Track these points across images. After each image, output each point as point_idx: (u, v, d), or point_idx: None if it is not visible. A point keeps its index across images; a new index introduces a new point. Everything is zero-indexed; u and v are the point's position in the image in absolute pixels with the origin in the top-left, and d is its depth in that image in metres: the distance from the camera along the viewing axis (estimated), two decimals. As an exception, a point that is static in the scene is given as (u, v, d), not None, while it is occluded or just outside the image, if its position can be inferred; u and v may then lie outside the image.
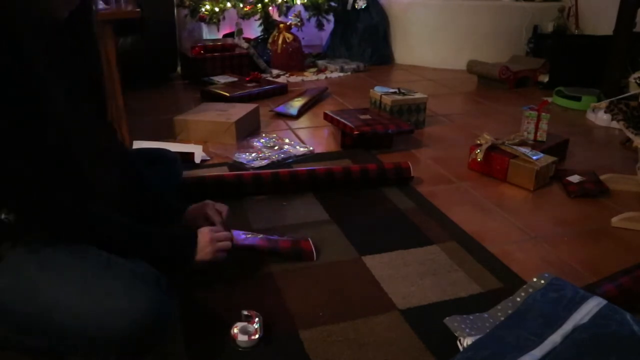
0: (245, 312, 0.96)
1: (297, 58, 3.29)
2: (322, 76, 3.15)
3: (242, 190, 1.51)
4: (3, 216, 0.81)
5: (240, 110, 2.08)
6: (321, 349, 0.92)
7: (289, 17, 3.32)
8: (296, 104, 2.41)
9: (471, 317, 0.98)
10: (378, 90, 2.23)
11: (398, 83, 2.89)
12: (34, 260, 0.81)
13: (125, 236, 0.92)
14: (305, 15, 3.38)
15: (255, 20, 3.38)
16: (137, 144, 1.73)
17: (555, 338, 0.87)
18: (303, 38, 3.35)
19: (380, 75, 3.22)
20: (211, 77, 2.82)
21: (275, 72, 3.16)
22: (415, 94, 2.19)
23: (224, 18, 3.24)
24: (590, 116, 2.37)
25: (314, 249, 1.22)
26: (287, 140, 1.98)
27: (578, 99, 2.51)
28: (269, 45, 3.29)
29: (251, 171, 1.62)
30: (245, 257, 1.17)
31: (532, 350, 0.84)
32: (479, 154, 1.68)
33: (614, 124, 2.09)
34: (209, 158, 1.81)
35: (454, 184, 1.66)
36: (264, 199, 1.50)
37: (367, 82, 2.98)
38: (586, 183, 1.59)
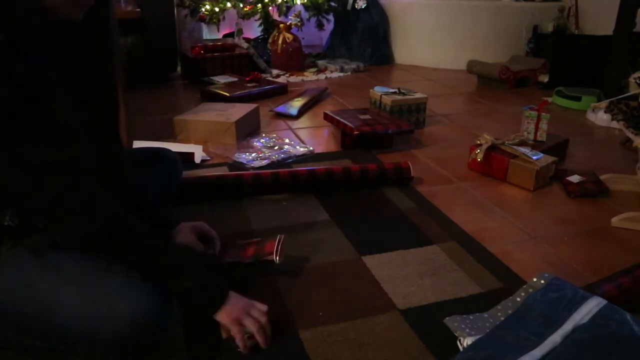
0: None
1: (297, 58, 3.29)
2: (322, 76, 3.15)
3: (242, 190, 1.51)
4: (7, 219, 0.81)
5: (240, 110, 2.08)
6: (321, 349, 0.92)
7: (289, 17, 3.32)
8: (296, 104, 2.41)
9: (471, 317, 0.98)
10: (378, 90, 2.23)
11: (398, 83, 2.89)
12: (34, 260, 0.81)
13: (141, 241, 0.86)
14: (305, 15, 3.38)
15: (255, 20, 3.38)
16: (137, 144, 1.73)
17: (555, 338, 0.87)
18: (303, 38, 3.35)
19: (380, 75, 3.22)
20: (211, 77, 2.82)
21: (275, 72, 3.16)
22: (415, 94, 2.19)
23: (224, 18, 3.24)
24: (590, 116, 2.37)
25: (276, 250, 1.10)
26: (287, 140, 1.98)
27: (578, 99, 2.51)
28: (269, 45, 3.29)
29: (251, 171, 1.62)
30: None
31: (532, 350, 0.84)
32: (479, 154, 1.68)
33: (614, 124, 2.09)
34: (209, 158, 1.81)
35: (454, 184, 1.66)
36: (264, 199, 1.50)
37: (367, 82, 2.98)
38: (586, 183, 1.59)
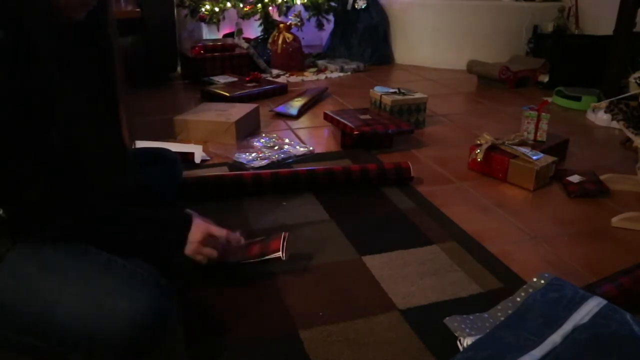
0: None
1: (297, 58, 3.29)
2: (322, 76, 3.15)
3: (242, 190, 1.51)
4: (1, 212, 0.81)
5: (240, 110, 2.08)
6: (321, 349, 0.92)
7: (289, 17, 3.32)
8: (296, 104, 2.41)
9: (471, 317, 0.98)
10: (378, 90, 2.23)
11: (398, 83, 2.89)
12: (34, 260, 0.81)
13: (121, 218, 0.91)
14: (305, 15, 3.38)
15: (255, 20, 3.38)
16: (137, 144, 1.73)
17: (555, 338, 0.87)
18: (303, 38, 3.35)
19: (380, 75, 3.22)
20: (211, 77, 2.82)
21: (275, 72, 3.16)
22: (415, 94, 2.19)
23: (224, 18, 3.24)
24: (590, 116, 2.37)
25: (282, 248, 1.11)
26: (287, 140, 1.98)
27: (578, 99, 2.51)
28: (269, 45, 3.29)
29: (251, 171, 1.62)
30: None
31: (532, 350, 0.84)
32: (479, 154, 1.68)
33: (614, 124, 2.09)
34: (209, 158, 1.81)
35: (454, 184, 1.66)
36: (264, 199, 1.50)
37: (367, 82, 2.98)
38: (586, 183, 1.59)
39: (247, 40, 3.33)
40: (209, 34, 3.49)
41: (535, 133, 1.81)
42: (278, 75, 3.11)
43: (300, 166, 1.70)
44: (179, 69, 3.10)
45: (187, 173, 1.53)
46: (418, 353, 0.92)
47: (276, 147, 1.89)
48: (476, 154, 1.69)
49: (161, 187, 1.25)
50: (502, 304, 1.02)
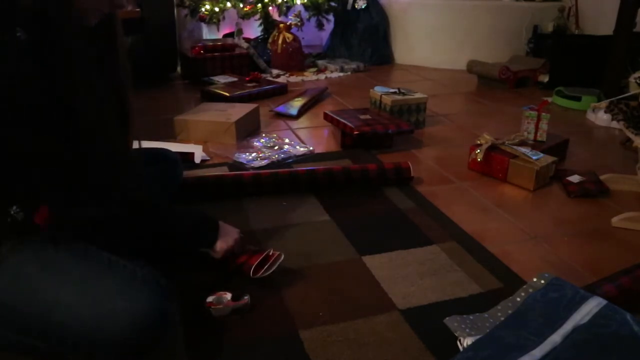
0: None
1: (297, 58, 3.29)
2: (322, 76, 3.15)
3: (242, 190, 1.51)
4: (14, 210, 0.81)
5: (240, 110, 2.08)
6: (321, 349, 0.92)
7: (289, 17, 3.32)
8: (296, 104, 2.41)
9: (471, 317, 0.98)
10: (378, 90, 2.23)
11: (398, 83, 2.89)
12: (35, 260, 0.81)
13: (154, 214, 0.97)
14: (305, 15, 3.38)
15: (255, 20, 3.38)
16: (137, 144, 1.73)
17: (555, 338, 0.87)
18: (303, 38, 3.35)
19: (380, 75, 3.22)
20: (211, 77, 2.82)
21: (275, 72, 3.17)
22: (415, 94, 2.19)
23: (224, 18, 3.24)
24: (590, 116, 2.37)
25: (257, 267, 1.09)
26: (287, 140, 1.98)
27: (578, 99, 2.51)
28: (269, 45, 3.29)
29: (251, 171, 1.62)
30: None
31: (532, 350, 0.84)
32: (479, 154, 1.68)
33: (614, 124, 2.09)
34: (209, 158, 1.81)
35: (454, 184, 1.66)
36: (264, 199, 1.50)
37: (367, 82, 2.98)
38: (586, 183, 1.59)
39: (247, 40, 3.33)
40: (209, 34, 3.49)
41: (535, 133, 1.81)
42: (278, 75, 3.11)
43: (300, 166, 1.70)
44: (179, 69, 3.10)
45: (187, 173, 1.53)
46: (418, 353, 0.92)
47: (276, 147, 1.89)
48: (476, 154, 1.69)
49: (162, 188, 1.25)
50: (502, 304, 1.02)
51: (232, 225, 1.17)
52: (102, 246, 0.86)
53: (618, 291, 1.03)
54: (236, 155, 1.80)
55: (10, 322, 0.80)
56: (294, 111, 2.33)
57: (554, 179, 1.66)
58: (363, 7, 3.49)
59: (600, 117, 2.28)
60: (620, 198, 1.56)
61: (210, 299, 1.00)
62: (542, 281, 1.04)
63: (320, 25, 3.48)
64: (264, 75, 3.01)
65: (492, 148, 1.68)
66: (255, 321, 0.99)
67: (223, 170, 1.69)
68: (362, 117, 1.98)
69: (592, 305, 0.93)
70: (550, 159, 1.64)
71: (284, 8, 3.29)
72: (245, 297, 1.01)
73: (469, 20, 3.32)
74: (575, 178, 1.62)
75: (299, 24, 3.31)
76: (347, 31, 3.57)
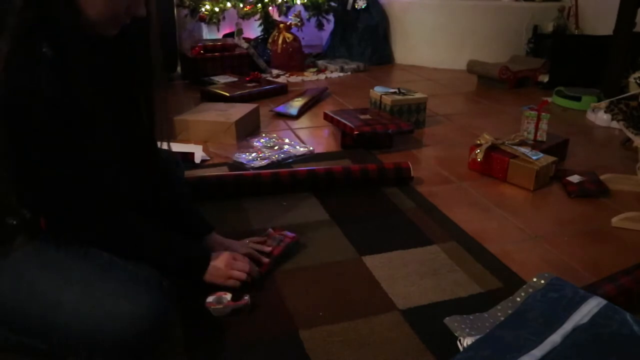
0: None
1: (297, 58, 3.29)
2: (322, 76, 3.15)
3: (242, 190, 1.51)
4: (23, 211, 0.82)
5: (240, 110, 2.08)
6: (321, 349, 0.92)
7: (289, 17, 3.32)
8: (296, 104, 2.41)
9: (471, 317, 0.98)
10: (378, 90, 2.23)
11: (398, 83, 2.89)
12: (36, 260, 0.82)
13: (142, 239, 0.94)
14: (305, 15, 3.38)
15: (255, 20, 3.38)
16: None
17: (555, 338, 0.87)
18: (303, 38, 3.35)
19: (380, 75, 3.22)
20: (211, 77, 2.82)
21: (275, 72, 3.17)
22: (415, 94, 2.19)
23: (224, 18, 3.24)
24: (590, 116, 2.37)
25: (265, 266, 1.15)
26: (287, 140, 1.98)
27: (578, 99, 2.51)
28: (269, 45, 3.29)
29: (251, 171, 1.62)
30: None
31: (532, 350, 0.84)
32: (479, 154, 1.68)
33: (614, 124, 2.09)
34: (209, 158, 1.81)
35: (454, 184, 1.66)
36: (264, 199, 1.50)
37: (367, 82, 2.98)
38: (586, 183, 1.59)
39: (247, 40, 3.33)
40: (209, 34, 3.49)
41: (535, 133, 1.81)
42: (278, 75, 3.11)
43: (300, 166, 1.70)
44: (179, 69, 3.10)
45: (187, 173, 1.53)
46: (418, 353, 0.92)
47: (276, 147, 1.89)
48: (476, 154, 1.69)
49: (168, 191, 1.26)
50: (502, 304, 1.02)
51: (233, 225, 1.18)
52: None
53: (618, 291, 1.03)
54: (236, 155, 1.80)
55: (11, 323, 0.80)
56: (294, 111, 2.33)
57: (554, 179, 1.66)
58: (363, 7, 3.49)
59: (600, 117, 2.28)
60: (620, 198, 1.56)
61: (210, 299, 1.00)
62: (542, 281, 1.04)
63: (320, 25, 3.48)
64: (264, 75, 3.01)
65: (492, 148, 1.68)
66: (255, 321, 0.99)
67: (223, 170, 1.69)
68: (362, 117, 1.98)
69: (592, 305, 0.92)
70: (550, 159, 1.64)
71: (284, 8, 3.29)
72: (245, 297, 1.01)
73: (469, 20, 3.32)
74: (575, 178, 1.62)
75: (299, 24, 3.31)
76: (347, 31, 3.57)
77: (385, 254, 1.23)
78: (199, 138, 1.96)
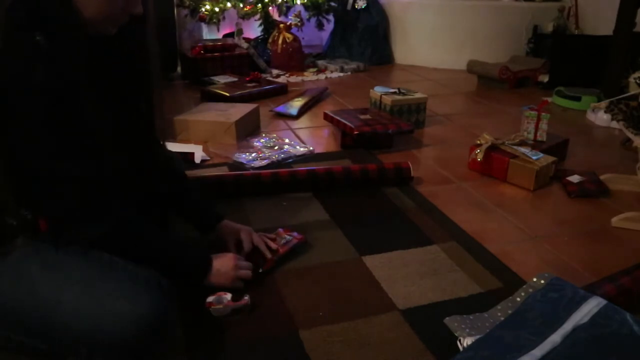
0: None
1: (297, 58, 3.29)
2: (322, 76, 3.15)
3: (242, 190, 1.51)
4: (23, 212, 0.82)
5: (240, 110, 2.08)
6: (321, 349, 0.92)
7: (289, 17, 3.32)
8: (296, 104, 2.41)
9: (471, 317, 0.98)
10: (378, 90, 2.23)
11: (398, 83, 2.89)
12: (36, 260, 0.82)
13: (144, 243, 0.94)
14: (305, 15, 3.38)
15: (255, 20, 3.38)
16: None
17: (555, 338, 0.87)
18: (303, 38, 3.35)
19: (380, 75, 3.22)
20: (211, 77, 2.82)
21: (275, 72, 3.17)
22: (415, 94, 2.19)
23: (224, 18, 3.24)
24: (590, 116, 2.37)
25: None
26: (287, 140, 1.98)
27: (578, 99, 2.51)
28: (269, 45, 3.29)
29: (251, 171, 1.62)
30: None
31: (532, 350, 0.84)
32: (479, 154, 1.68)
33: (614, 124, 2.09)
34: (209, 158, 1.81)
35: (454, 184, 1.66)
36: (264, 199, 1.50)
37: (367, 82, 2.98)
38: (586, 183, 1.59)
39: (247, 40, 3.33)
40: (209, 34, 3.49)
41: (535, 133, 1.81)
42: (278, 75, 3.11)
43: (300, 166, 1.70)
44: (179, 69, 3.10)
45: (187, 173, 1.53)
46: (418, 353, 0.92)
47: (276, 147, 1.89)
48: (476, 154, 1.69)
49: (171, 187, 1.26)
50: (502, 304, 1.02)
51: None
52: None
53: (618, 291, 1.03)
54: (236, 155, 1.80)
55: (11, 323, 0.81)
56: (294, 111, 2.33)
57: (554, 179, 1.66)
58: (363, 7, 3.49)
59: (600, 117, 2.28)
60: (620, 198, 1.56)
61: (210, 299, 1.00)
62: (542, 281, 1.04)
63: (320, 25, 3.48)
64: (264, 75, 3.01)
65: (492, 148, 1.68)
66: (255, 321, 0.99)
67: (223, 170, 1.69)
68: (362, 117, 1.98)
69: (592, 305, 0.92)
70: (550, 159, 1.64)
71: (284, 8, 3.29)
72: (245, 297, 1.01)
73: (469, 20, 3.32)
74: (575, 178, 1.62)
75: (299, 24, 3.31)
76: (347, 31, 3.57)
77: (385, 254, 1.23)
78: (199, 138, 1.96)
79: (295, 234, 1.25)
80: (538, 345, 0.86)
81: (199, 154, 1.77)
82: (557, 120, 2.25)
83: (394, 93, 2.18)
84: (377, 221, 1.39)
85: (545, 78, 2.91)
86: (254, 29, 3.52)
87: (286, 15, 3.31)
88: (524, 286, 1.05)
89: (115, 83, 0.92)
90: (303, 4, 3.35)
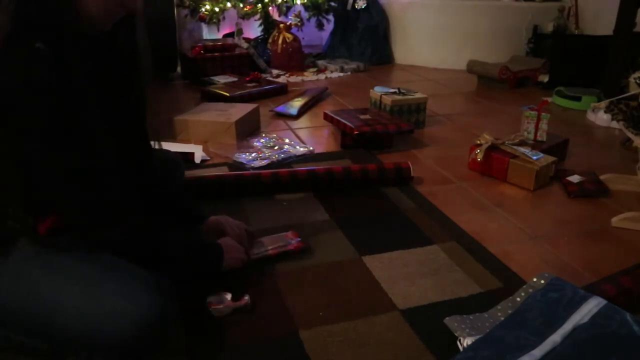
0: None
1: (297, 58, 3.29)
2: (322, 76, 3.15)
3: (242, 190, 1.51)
4: (24, 215, 0.82)
5: (240, 110, 2.08)
6: (321, 349, 0.92)
7: (289, 17, 3.32)
8: (296, 104, 2.41)
9: (471, 317, 0.98)
10: (378, 90, 2.23)
11: (398, 83, 2.89)
12: (36, 260, 0.81)
13: (157, 242, 0.94)
14: (305, 15, 3.38)
15: (255, 20, 3.38)
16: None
17: (555, 338, 0.87)
18: (303, 38, 3.35)
19: (380, 75, 3.22)
20: (211, 77, 2.82)
21: (275, 72, 3.17)
22: (415, 94, 2.19)
23: (224, 18, 3.24)
24: (590, 116, 2.37)
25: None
26: (287, 140, 1.98)
27: (578, 99, 2.51)
28: (269, 45, 3.29)
29: (251, 171, 1.62)
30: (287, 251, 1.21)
31: (532, 350, 0.84)
32: (479, 154, 1.68)
33: (614, 124, 2.09)
34: (209, 158, 1.81)
35: (454, 184, 1.66)
36: (264, 199, 1.50)
37: (367, 82, 2.98)
38: (586, 183, 1.59)
39: (247, 40, 3.33)
40: (209, 34, 3.49)
41: (535, 133, 1.81)
42: (278, 75, 3.11)
43: (300, 166, 1.70)
44: (179, 69, 3.10)
45: (187, 173, 1.53)
46: (418, 353, 0.92)
47: (276, 147, 1.89)
48: (476, 154, 1.69)
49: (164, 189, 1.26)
50: (502, 304, 1.02)
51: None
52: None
53: (618, 291, 1.03)
54: (236, 155, 1.80)
55: (11, 323, 0.81)
56: (294, 111, 2.33)
57: (554, 179, 1.66)
58: (363, 7, 3.49)
59: (600, 117, 2.28)
60: (620, 198, 1.56)
61: (210, 299, 1.00)
62: (542, 281, 1.04)
63: (320, 25, 3.48)
64: (264, 75, 3.01)
65: (492, 148, 1.68)
66: (255, 321, 0.99)
67: (223, 170, 1.69)
68: (362, 117, 1.98)
69: (592, 305, 0.93)
70: (550, 159, 1.64)
71: (284, 8, 3.29)
72: (245, 297, 1.01)
73: (469, 20, 3.32)
74: (575, 178, 1.62)
75: (299, 24, 3.31)
76: (347, 31, 3.57)
77: (385, 254, 1.23)
78: (199, 138, 1.96)
79: (295, 240, 1.24)
80: (538, 345, 0.86)
81: (199, 154, 1.77)
82: (557, 120, 2.25)
83: (394, 93, 2.18)
84: (377, 221, 1.39)
85: (545, 78, 2.91)
86: (254, 29, 3.52)
87: (286, 15, 3.31)
88: (524, 286, 1.05)
89: (107, 81, 0.91)
90: (303, 4, 3.35)
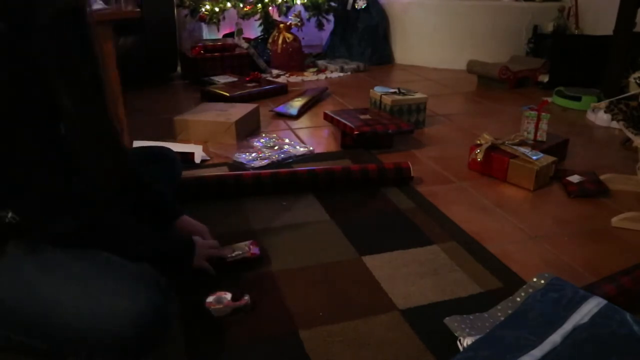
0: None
1: (297, 58, 3.29)
2: (322, 76, 3.15)
3: (242, 190, 1.51)
4: (10, 215, 0.81)
5: (240, 110, 2.08)
6: (321, 349, 0.92)
7: (289, 17, 3.32)
8: (296, 104, 2.41)
9: (471, 317, 0.98)
10: (378, 90, 2.23)
11: (398, 83, 2.89)
12: (34, 260, 0.81)
13: (132, 234, 0.93)
14: (305, 15, 3.38)
15: (255, 20, 3.38)
16: (137, 144, 1.73)
17: (555, 338, 0.87)
18: (303, 38, 3.35)
19: (380, 75, 3.22)
20: (211, 77, 2.82)
21: (275, 72, 3.17)
22: (415, 94, 2.19)
23: (224, 18, 3.24)
24: (590, 116, 2.37)
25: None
26: (287, 140, 1.98)
27: (578, 99, 2.51)
28: (269, 45, 3.29)
29: (251, 171, 1.62)
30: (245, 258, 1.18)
31: (532, 350, 0.84)
32: (479, 154, 1.68)
33: (614, 124, 2.09)
34: (209, 158, 1.81)
35: (454, 184, 1.66)
36: (264, 199, 1.50)
37: (367, 82, 2.98)
38: (586, 183, 1.59)
39: (247, 40, 3.33)
40: (209, 34, 3.49)
41: (535, 133, 1.81)
42: (278, 75, 3.11)
43: (300, 166, 1.70)
44: (179, 69, 3.10)
45: (187, 173, 1.53)
46: (418, 353, 0.92)
47: (276, 147, 1.89)
48: (476, 154, 1.69)
49: (161, 186, 1.25)
50: (502, 304, 1.02)
51: (233, 225, 1.17)
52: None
53: (618, 291, 1.03)
54: (236, 155, 1.80)
55: (10, 322, 0.80)
56: (294, 111, 2.33)
57: (554, 179, 1.66)
58: (363, 7, 3.49)
59: (600, 117, 2.28)
60: (620, 198, 1.56)
61: (210, 299, 1.00)
62: (542, 281, 1.04)
63: (320, 25, 3.48)
64: (264, 75, 3.01)
65: (492, 148, 1.68)
66: (255, 321, 0.99)
67: (223, 170, 1.69)
68: (362, 117, 1.98)
69: (592, 305, 0.93)
70: (550, 159, 1.64)
71: (284, 8, 3.29)
72: (245, 297, 1.01)
73: (469, 20, 3.32)
74: (575, 178, 1.62)
75: (299, 24, 3.31)
76: (347, 31, 3.57)
77: (385, 254, 1.23)
78: (199, 138, 1.96)
79: (255, 249, 1.20)
80: (538, 345, 0.86)
81: (199, 154, 1.77)
82: (557, 120, 2.25)
83: (394, 93, 2.18)
84: (377, 221, 1.39)
85: (545, 78, 2.91)
86: (254, 29, 3.52)
87: (286, 15, 3.31)
88: (524, 286, 1.05)
89: (67, 66, 0.86)
90: (303, 4, 3.35)
